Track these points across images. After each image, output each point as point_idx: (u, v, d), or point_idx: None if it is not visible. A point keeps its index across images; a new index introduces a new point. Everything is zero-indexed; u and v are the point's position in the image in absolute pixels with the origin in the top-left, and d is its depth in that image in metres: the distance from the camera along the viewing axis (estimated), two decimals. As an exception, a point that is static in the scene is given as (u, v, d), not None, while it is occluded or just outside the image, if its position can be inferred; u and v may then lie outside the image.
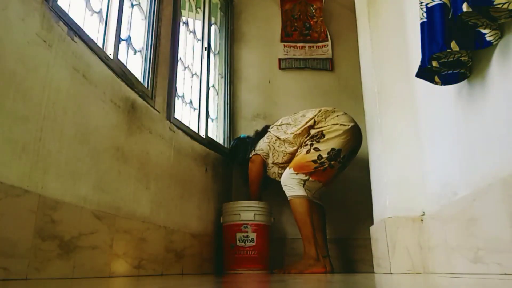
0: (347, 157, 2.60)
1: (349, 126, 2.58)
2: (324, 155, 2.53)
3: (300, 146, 2.63)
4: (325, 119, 2.63)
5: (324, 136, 2.57)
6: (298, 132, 2.63)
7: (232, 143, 3.07)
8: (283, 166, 2.70)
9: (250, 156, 2.79)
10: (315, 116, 2.64)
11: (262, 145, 2.78)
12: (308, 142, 2.59)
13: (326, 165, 2.54)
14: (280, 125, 2.78)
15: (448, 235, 1.49)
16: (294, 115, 2.76)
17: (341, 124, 2.58)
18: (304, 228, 2.46)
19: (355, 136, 2.62)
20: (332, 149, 2.54)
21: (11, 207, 1.16)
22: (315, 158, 2.55)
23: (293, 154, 2.65)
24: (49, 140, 1.35)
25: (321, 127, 2.60)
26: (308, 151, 2.56)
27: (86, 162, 1.54)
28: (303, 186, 2.53)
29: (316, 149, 2.55)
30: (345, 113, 2.68)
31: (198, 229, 2.50)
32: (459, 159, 1.42)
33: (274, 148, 2.72)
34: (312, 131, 2.61)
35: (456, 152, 1.44)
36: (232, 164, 3.13)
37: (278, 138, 2.70)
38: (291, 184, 2.54)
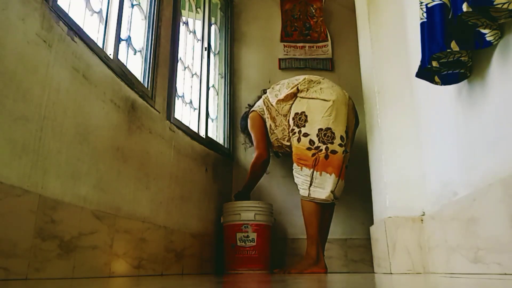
0: (345, 137, 2.39)
1: (331, 102, 2.39)
2: (315, 139, 2.37)
3: (290, 133, 2.50)
4: (307, 90, 2.47)
5: (307, 117, 2.42)
6: (281, 98, 2.53)
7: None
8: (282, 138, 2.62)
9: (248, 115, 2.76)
10: (299, 83, 2.50)
11: (258, 102, 2.75)
12: (296, 130, 2.45)
13: (324, 150, 2.35)
14: (277, 84, 2.68)
15: (448, 235, 1.49)
16: (292, 78, 2.66)
17: (322, 100, 2.41)
18: (309, 228, 2.35)
19: (341, 111, 2.41)
20: (320, 130, 2.37)
21: (11, 207, 1.16)
22: (308, 144, 2.39)
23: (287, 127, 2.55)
24: (49, 140, 1.35)
25: (304, 97, 2.45)
26: (298, 140, 2.43)
27: (86, 162, 1.54)
28: (311, 185, 2.35)
29: (305, 135, 2.40)
30: (332, 85, 2.50)
31: (198, 229, 2.50)
32: (459, 159, 1.42)
33: (268, 106, 2.63)
34: (294, 111, 2.47)
35: (456, 152, 1.44)
36: (245, 135, 3.03)
37: (269, 100, 2.62)
38: (300, 182, 2.40)
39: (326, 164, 2.35)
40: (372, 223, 2.24)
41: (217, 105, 3.30)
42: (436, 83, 1.38)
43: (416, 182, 1.85)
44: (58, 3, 1.46)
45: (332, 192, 2.33)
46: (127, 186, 1.82)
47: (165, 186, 2.18)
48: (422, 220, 1.78)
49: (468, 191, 1.32)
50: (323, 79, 2.56)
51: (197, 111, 2.86)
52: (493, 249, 1.15)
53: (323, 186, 2.33)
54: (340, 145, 2.37)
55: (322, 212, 2.39)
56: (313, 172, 2.35)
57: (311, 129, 2.39)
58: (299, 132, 2.43)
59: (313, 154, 2.36)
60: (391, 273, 1.74)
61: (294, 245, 2.95)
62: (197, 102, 2.89)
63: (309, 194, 2.35)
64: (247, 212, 2.64)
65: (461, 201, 1.38)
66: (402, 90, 2.01)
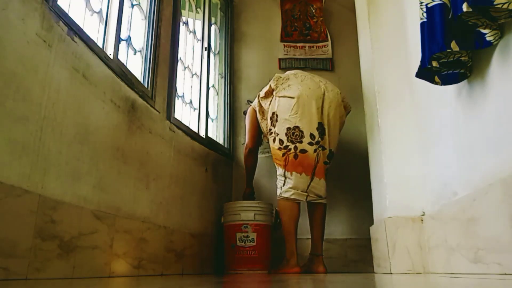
0: (317, 135, 2.31)
1: (295, 99, 2.30)
2: (284, 138, 2.32)
3: (268, 133, 2.48)
4: (276, 87, 2.42)
5: (277, 116, 2.37)
6: (262, 95, 2.52)
7: None
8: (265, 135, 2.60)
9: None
10: (271, 81, 2.48)
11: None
12: (272, 129, 2.41)
13: (293, 150, 2.30)
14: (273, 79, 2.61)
15: (448, 235, 1.49)
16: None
17: (288, 97, 2.33)
18: (283, 226, 2.37)
19: (309, 106, 2.31)
20: (288, 129, 2.31)
21: (11, 207, 1.16)
22: (279, 144, 2.35)
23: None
24: (49, 140, 1.35)
25: (275, 95, 2.39)
26: (274, 140, 2.40)
27: (86, 162, 1.54)
28: (284, 185, 2.34)
29: (277, 133, 2.37)
30: (302, 80, 2.40)
31: (198, 229, 2.50)
32: (459, 159, 1.42)
33: (258, 101, 2.57)
34: (271, 110, 2.42)
35: (456, 152, 1.44)
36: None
37: (258, 95, 2.58)
38: (277, 182, 2.41)
39: (295, 164, 2.32)
40: (372, 223, 2.24)
41: (217, 105, 3.30)
42: (436, 83, 1.38)
43: (416, 182, 1.85)
44: (58, 3, 1.46)
45: (305, 191, 2.32)
46: (127, 186, 1.82)
47: (165, 186, 2.18)
48: (422, 220, 1.78)
49: (468, 191, 1.32)
50: (294, 74, 2.47)
51: (197, 111, 2.86)
52: (493, 249, 1.15)
53: (294, 186, 2.32)
54: (310, 143, 2.31)
55: (297, 211, 2.35)
56: (284, 172, 2.35)
57: (280, 128, 2.35)
58: (274, 132, 2.41)
59: (283, 154, 2.35)
60: (391, 273, 1.74)
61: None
62: (197, 102, 2.89)
63: (280, 193, 2.36)
64: (247, 212, 2.64)
65: (461, 201, 1.38)
66: (402, 90, 2.01)
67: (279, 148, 2.36)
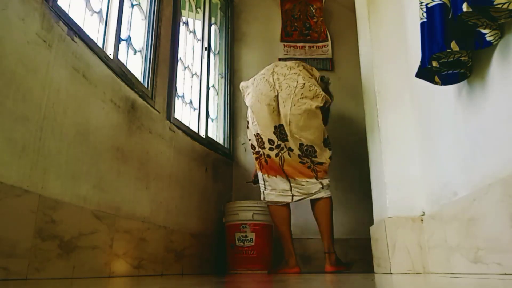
0: (279, 138, 2.25)
1: (250, 107, 2.31)
2: (255, 143, 2.34)
3: None
4: (244, 97, 2.44)
5: (248, 123, 2.38)
6: None
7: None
8: None
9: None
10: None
11: None
12: (247, 135, 2.43)
13: (263, 155, 2.31)
14: None
15: (448, 235, 1.49)
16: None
17: (255, 100, 2.28)
18: (276, 229, 2.40)
19: (261, 112, 2.24)
20: (255, 135, 2.32)
21: (11, 207, 1.16)
22: (252, 149, 2.39)
23: None
24: (49, 140, 1.35)
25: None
26: (250, 145, 2.42)
27: (86, 162, 1.54)
28: (265, 189, 2.36)
29: (249, 139, 2.39)
30: (257, 84, 2.31)
31: (198, 229, 2.50)
32: (459, 159, 1.42)
33: None
34: None
35: (456, 152, 1.44)
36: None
37: None
38: (260, 186, 2.42)
39: (268, 168, 2.34)
40: (372, 223, 2.24)
41: (217, 105, 3.30)
42: (436, 83, 1.38)
43: (416, 182, 1.85)
44: (58, 3, 1.46)
45: (288, 192, 2.32)
46: (127, 186, 1.82)
47: (165, 186, 2.18)
48: (422, 220, 1.78)
49: (468, 191, 1.32)
50: (253, 79, 2.41)
51: (197, 111, 2.86)
52: (493, 249, 1.15)
53: (273, 188, 2.34)
54: (270, 149, 2.30)
55: (285, 213, 2.35)
56: (262, 175, 2.37)
57: (251, 134, 2.37)
58: (249, 137, 2.43)
59: (257, 159, 2.37)
60: (391, 273, 1.74)
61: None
62: (197, 102, 2.89)
63: (264, 198, 2.38)
64: (245, 211, 2.64)
65: (461, 201, 1.38)
66: (402, 90, 2.01)
67: (253, 153, 2.39)
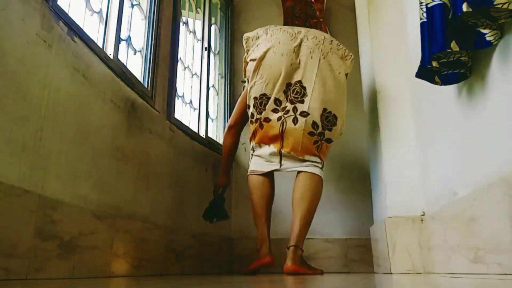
0: (289, 98, 1.91)
1: (257, 60, 1.93)
2: (253, 111, 1.99)
3: None
4: (247, 52, 2.10)
5: (246, 87, 2.05)
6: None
7: None
8: None
9: None
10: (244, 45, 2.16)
11: None
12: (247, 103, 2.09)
13: (258, 119, 1.96)
14: None
15: (448, 235, 1.49)
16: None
17: (252, 61, 1.97)
18: (252, 208, 2.03)
19: (278, 64, 1.91)
20: (255, 98, 1.97)
21: (11, 207, 1.16)
22: (251, 117, 2.04)
23: None
24: (49, 140, 1.35)
25: (246, 60, 2.06)
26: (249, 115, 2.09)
27: (86, 162, 1.54)
28: (251, 158, 2.07)
29: (248, 106, 2.05)
30: (271, 35, 1.99)
31: (198, 229, 2.50)
32: (459, 159, 1.42)
33: None
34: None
35: (456, 152, 1.44)
36: None
37: None
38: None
39: (262, 134, 1.97)
40: (372, 223, 2.24)
41: (217, 105, 3.30)
42: (436, 83, 1.38)
43: (416, 182, 1.85)
44: (58, 3, 1.46)
45: (277, 157, 1.97)
46: (127, 186, 1.82)
47: (165, 186, 2.18)
48: (422, 220, 1.78)
49: (468, 191, 1.32)
50: (265, 29, 2.05)
51: (197, 111, 2.86)
52: (493, 249, 1.15)
53: (260, 153, 2.02)
54: (274, 110, 1.93)
55: (268, 188, 2.02)
56: (254, 145, 2.05)
57: (249, 99, 2.01)
58: (248, 105, 2.08)
59: (252, 123, 2.04)
60: (391, 273, 1.74)
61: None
62: (197, 102, 2.89)
63: (248, 168, 2.08)
64: None
65: (461, 201, 1.38)
66: (402, 90, 2.01)
67: (251, 122, 2.04)
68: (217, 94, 3.32)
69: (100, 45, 1.79)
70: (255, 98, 1.98)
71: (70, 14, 1.54)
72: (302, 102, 1.93)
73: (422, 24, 1.31)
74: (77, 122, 1.51)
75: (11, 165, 1.19)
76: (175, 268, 2.16)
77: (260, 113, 1.98)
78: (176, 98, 2.49)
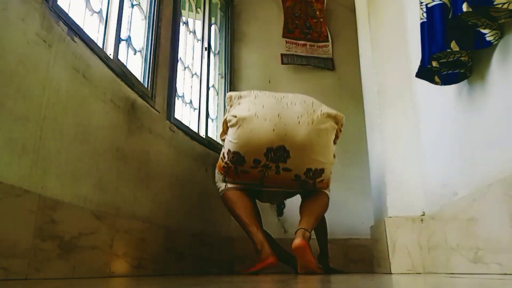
0: (271, 158, 1.87)
1: (236, 120, 1.86)
2: (226, 155, 1.96)
3: None
4: (230, 108, 2.00)
5: (227, 130, 1.97)
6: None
7: None
8: None
9: None
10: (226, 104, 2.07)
11: None
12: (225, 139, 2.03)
13: (233, 169, 1.95)
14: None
15: (448, 235, 1.49)
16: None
17: (251, 113, 1.86)
18: (238, 221, 2.02)
19: (259, 127, 1.84)
20: (228, 150, 1.93)
21: (11, 207, 1.15)
22: (221, 156, 2.01)
23: None
24: (49, 140, 1.35)
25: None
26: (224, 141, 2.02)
27: (86, 162, 1.54)
28: (224, 179, 2.06)
29: (223, 145, 2.01)
30: (255, 97, 1.94)
31: (198, 229, 2.50)
32: (459, 159, 1.42)
33: None
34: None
35: (456, 152, 1.44)
36: None
37: None
38: (217, 184, 2.13)
39: (236, 177, 2.01)
40: (372, 223, 2.24)
41: (217, 105, 3.30)
42: (436, 83, 1.38)
43: (416, 182, 1.85)
44: (58, 3, 1.46)
45: (259, 181, 2.00)
46: (127, 186, 1.82)
47: (165, 186, 2.18)
48: (422, 220, 1.78)
49: (468, 191, 1.32)
50: (250, 91, 2.03)
51: (197, 111, 2.86)
52: (493, 249, 1.15)
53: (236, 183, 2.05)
54: (252, 167, 1.92)
55: (247, 200, 2.03)
56: (224, 178, 2.06)
57: (225, 144, 1.99)
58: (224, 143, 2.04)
59: (224, 167, 2.02)
60: (391, 273, 1.74)
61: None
62: (197, 102, 2.89)
63: (222, 189, 2.08)
64: None
65: (461, 201, 1.38)
66: (402, 90, 2.01)
67: (221, 159, 2.03)
68: (217, 94, 3.33)
69: (100, 45, 1.79)
70: (228, 151, 1.94)
71: (70, 14, 1.54)
72: (284, 162, 1.90)
73: (422, 24, 1.31)
74: (77, 122, 1.51)
75: (11, 165, 1.19)
76: (175, 268, 2.16)
77: (236, 165, 1.94)
78: (176, 98, 2.49)
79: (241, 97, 1.99)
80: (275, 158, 1.89)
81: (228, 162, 1.96)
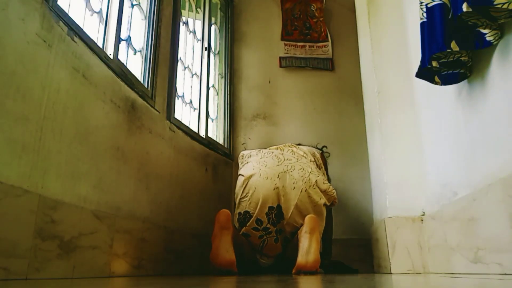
0: (270, 221, 1.96)
1: (243, 178, 2.03)
2: (236, 224, 2.04)
3: None
4: (239, 167, 2.17)
5: (236, 196, 2.09)
6: None
7: None
8: None
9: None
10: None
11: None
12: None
13: (238, 227, 2.03)
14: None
15: (448, 235, 1.49)
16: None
17: (241, 176, 2.07)
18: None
19: (261, 187, 1.97)
20: (239, 214, 2.02)
21: (11, 207, 1.16)
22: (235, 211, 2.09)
23: None
24: (49, 140, 1.35)
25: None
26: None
27: (86, 162, 1.54)
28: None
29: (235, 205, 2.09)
30: (261, 157, 2.11)
31: (198, 229, 2.50)
32: (459, 159, 1.42)
33: None
34: None
35: (456, 152, 1.44)
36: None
37: None
38: None
39: (239, 237, 2.03)
40: (372, 223, 2.24)
41: (217, 105, 3.30)
42: (436, 83, 1.38)
43: (416, 182, 1.85)
44: (58, 3, 1.46)
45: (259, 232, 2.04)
46: (127, 186, 1.82)
47: (165, 186, 2.18)
48: (422, 220, 1.78)
49: (468, 191, 1.32)
50: (259, 150, 2.21)
51: (197, 111, 2.86)
52: (493, 249, 1.15)
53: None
54: (255, 229, 1.98)
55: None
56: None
57: (236, 209, 2.08)
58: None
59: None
60: (391, 273, 1.74)
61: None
62: (197, 102, 2.89)
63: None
64: None
65: (461, 201, 1.38)
66: (402, 90, 2.01)
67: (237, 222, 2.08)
68: (217, 94, 3.33)
69: (100, 45, 1.80)
70: (239, 213, 2.04)
71: (70, 14, 1.54)
72: (279, 223, 2.01)
73: (422, 24, 1.31)
74: (77, 122, 1.51)
75: (11, 165, 1.19)
76: (175, 268, 2.16)
77: (241, 227, 2.03)
78: (176, 98, 2.49)
79: (250, 156, 2.18)
80: (273, 220, 1.99)
81: (236, 224, 2.05)
